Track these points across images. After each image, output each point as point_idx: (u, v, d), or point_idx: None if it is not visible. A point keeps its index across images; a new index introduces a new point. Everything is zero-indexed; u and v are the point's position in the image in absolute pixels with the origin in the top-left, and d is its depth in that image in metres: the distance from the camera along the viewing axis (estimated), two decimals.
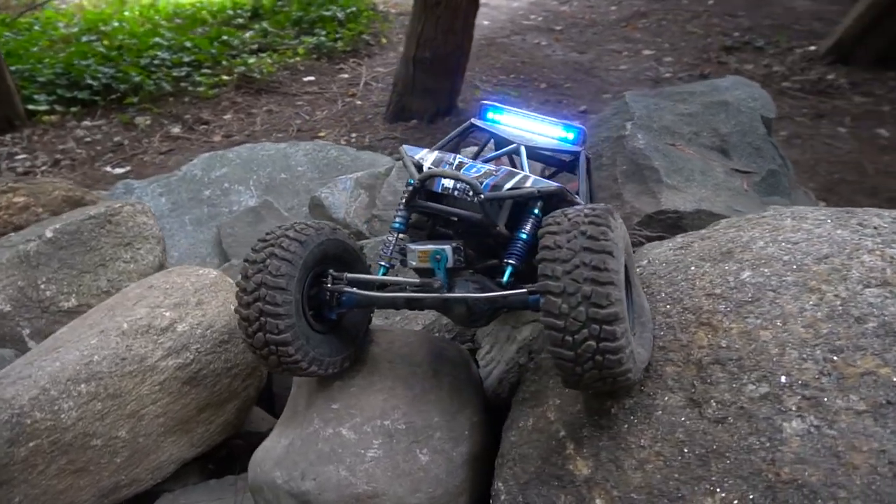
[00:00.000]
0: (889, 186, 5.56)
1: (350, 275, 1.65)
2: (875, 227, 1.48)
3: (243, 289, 1.56)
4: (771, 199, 2.87)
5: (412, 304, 1.61)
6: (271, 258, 1.55)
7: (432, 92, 6.40)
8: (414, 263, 1.57)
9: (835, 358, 1.25)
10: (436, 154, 1.67)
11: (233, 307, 1.63)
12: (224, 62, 8.12)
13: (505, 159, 2.00)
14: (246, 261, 1.59)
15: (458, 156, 1.69)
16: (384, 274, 1.68)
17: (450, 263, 1.53)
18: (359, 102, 7.47)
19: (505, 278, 1.57)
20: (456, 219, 1.58)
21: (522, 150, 1.86)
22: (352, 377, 1.77)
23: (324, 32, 8.90)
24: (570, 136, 1.98)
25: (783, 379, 1.26)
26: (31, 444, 1.64)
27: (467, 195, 1.55)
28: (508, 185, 1.55)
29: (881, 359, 1.22)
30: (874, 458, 1.12)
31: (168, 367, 1.84)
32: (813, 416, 1.20)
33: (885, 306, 1.29)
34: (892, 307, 1.29)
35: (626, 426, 1.41)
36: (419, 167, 1.61)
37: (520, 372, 1.97)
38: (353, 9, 9.47)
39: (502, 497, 1.60)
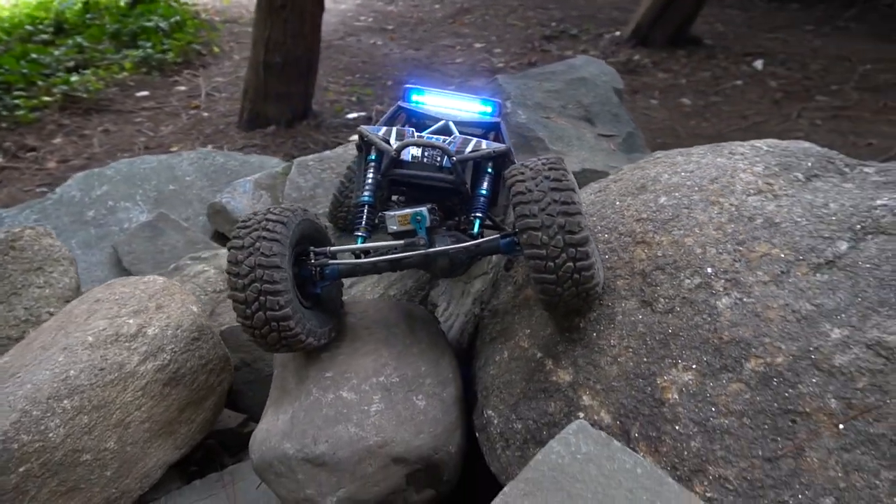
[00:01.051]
0: (700, 144, 6.61)
1: (333, 247, 1.78)
2: (741, 154, 1.93)
3: (236, 273, 1.63)
4: (633, 156, 3.39)
5: (394, 266, 1.79)
6: (260, 241, 1.64)
7: (286, 96, 6.39)
8: (395, 228, 1.75)
9: (741, 248, 1.65)
10: (394, 129, 1.85)
11: (227, 293, 1.68)
12: (40, 82, 7.39)
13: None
14: (232, 248, 1.66)
15: (414, 129, 1.89)
16: (363, 242, 1.83)
17: (429, 223, 1.73)
18: (206, 114, 7.22)
19: (475, 229, 1.80)
20: (427, 182, 1.78)
21: (451, 125, 2.10)
22: (337, 347, 1.90)
23: (149, 44, 8.41)
24: (489, 109, 2.25)
25: (709, 270, 1.64)
26: (21, 470, 1.57)
27: (435, 161, 1.76)
28: (468, 150, 1.78)
29: (770, 243, 1.64)
30: (782, 311, 1.52)
31: (148, 371, 1.83)
32: (735, 292, 1.58)
33: (763, 207, 1.72)
34: (769, 207, 1.72)
35: (594, 335, 1.72)
36: (386, 141, 1.78)
37: (476, 321, 2.22)
38: (177, 18, 9.03)
39: (495, 421, 1.84)
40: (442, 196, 1.84)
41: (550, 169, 1.61)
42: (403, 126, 2.33)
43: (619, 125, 3.51)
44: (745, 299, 1.57)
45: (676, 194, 1.82)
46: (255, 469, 1.83)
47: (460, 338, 2.23)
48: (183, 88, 7.97)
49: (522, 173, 1.63)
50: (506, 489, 1.43)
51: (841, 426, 1.37)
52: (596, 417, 1.62)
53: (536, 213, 1.54)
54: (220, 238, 3.46)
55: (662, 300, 1.66)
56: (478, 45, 10.08)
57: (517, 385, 1.83)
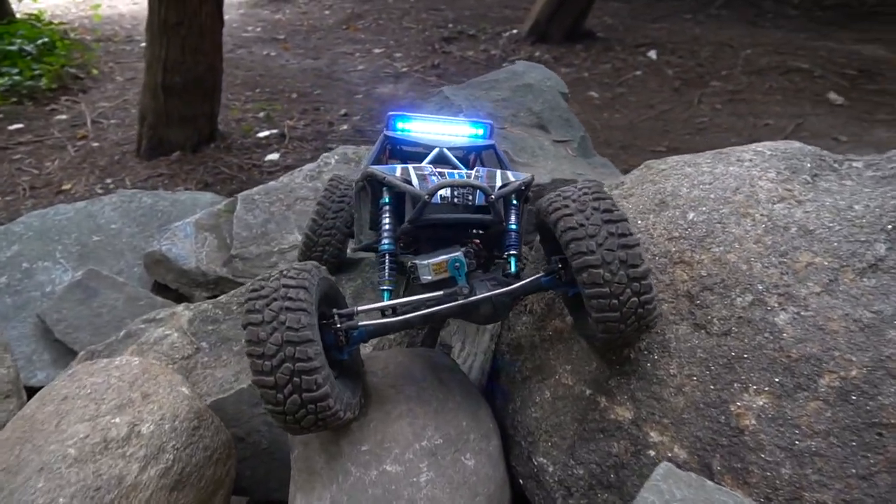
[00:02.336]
0: (615, 137, 6.80)
1: (361, 307, 1.58)
2: (749, 160, 1.92)
3: (261, 354, 1.40)
4: (592, 161, 3.38)
5: (429, 319, 1.61)
6: (284, 312, 1.42)
7: (190, 119, 5.92)
8: (429, 277, 1.57)
9: (785, 260, 1.62)
10: (411, 168, 1.67)
11: (250, 378, 1.44)
12: None
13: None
14: (250, 324, 1.42)
15: (429, 166, 1.72)
16: (389, 298, 1.64)
17: (468, 268, 1.57)
18: (95, 144, 6.54)
19: (513, 269, 1.67)
20: (461, 224, 1.62)
21: (446, 152, 1.95)
22: (365, 414, 1.70)
23: (15, 71, 7.54)
24: (480, 131, 2.12)
25: (759, 286, 1.60)
26: None
27: (467, 199, 1.60)
28: (498, 184, 1.64)
29: (811, 252, 1.63)
30: (843, 321, 1.50)
31: (151, 479, 1.54)
32: (791, 306, 1.56)
33: (792, 214, 1.71)
34: (797, 214, 1.71)
35: (648, 365, 1.64)
36: (408, 183, 1.60)
37: (494, 358, 2.08)
38: (44, 40, 8.16)
39: (549, 468, 1.72)
40: (466, 234, 1.69)
41: (597, 198, 1.51)
42: (390, 157, 2.14)
43: (571, 130, 3.48)
44: (802, 313, 1.54)
45: (703, 209, 1.77)
46: None
47: (482, 378, 2.08)
48: (63, 117, 7.20)
49: (567, 206, 1.51)
50: None
51: None
52: (670, 454, 1.54)
53: (595, 250, 1.43)
54: (163, 290, 3.09)
55: (717, 322, 1.60)
56: (377, 51, 9.90)
57: (569, 427, 1.72)
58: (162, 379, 1.76)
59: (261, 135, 6.60)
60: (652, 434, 1.58)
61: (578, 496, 1.66)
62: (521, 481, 1.83)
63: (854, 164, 1.97)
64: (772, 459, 1.44)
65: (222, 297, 2.58)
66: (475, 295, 1.56)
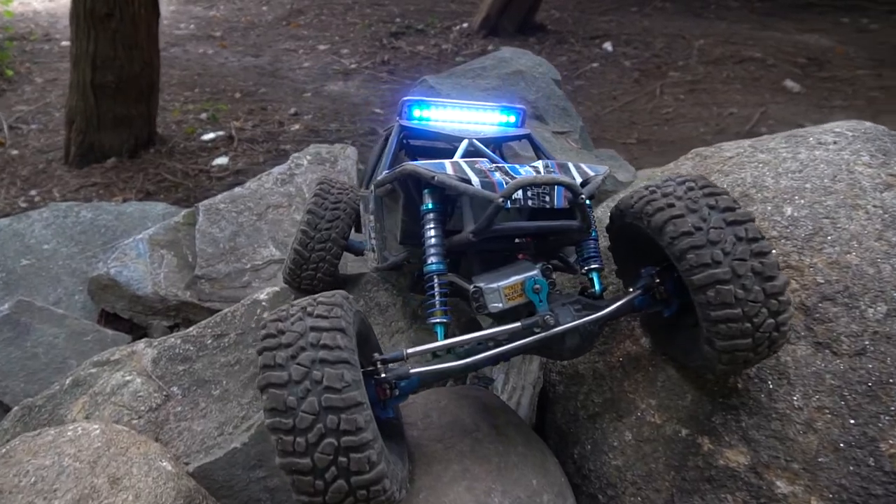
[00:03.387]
0: (587, 127, 6.61)
1: (411, 350, 1.19)
2: (834, 143, 1.65)
3: (290, 428, 1.00)
4: (598, 153, 3.08)
5: (499, 359, 1.25)
6: (319, 366, 1.02)
7: (126, 121, 5.32)
8: (500, 305, 1.21)
9: None
10: (464, 164, 1.29)
11: (277, 461, 1.04)
12: None
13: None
14: (270, 386, 1.02)
15: (484, 160, 1.35)
16: (446, 334, 1.26)
17: (550, 289, 1.22)
18: (15, 152, 5.84)
19: (598, 287, 1.32)
20: (541, 233, 1.26)
21: (478, 143, 1.59)
22: (412, 480, 1.32)
23: None
24: (512, 118, 1.77)
25: (895, 294, 1.32)
26: None
27: (544, 201, 1.24)
28: (577, 180, 1.28)
29: None
30: None
31: None
32: None
33: None
34: None
35: (762, 395, 1.33)
36: (467, 181, 1.22)
37: (544, 391, 1.74)
38: None
39: None
40: (520, 244, 1.33)
41: (710, 193, 1.18)
42: (401, 151, 1.76)
43: (570, 120, 3.18)
44: None
45: (802, 201, 1.48)
46: None
47: (531, 417, 1.73)
48: None
49: (673, 205, 1.18)
50: None
51: None
52: None
53: (722, 260, 1.11)
54: (112, 321, 2.59)
55: (846, 340, 1.31)
56: (322, 47, 9.43)
57: (663, 476, 1.39)
58: (134, 453, 1.33)
59: (205, 137, 6.04)
60: (779, 483, 1.27)
61: None
62: None
63: None
64: None
65: (192, 330, 2.13)
66: (561, 325, 1.20)
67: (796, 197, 1.50)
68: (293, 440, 1.00)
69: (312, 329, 1.06)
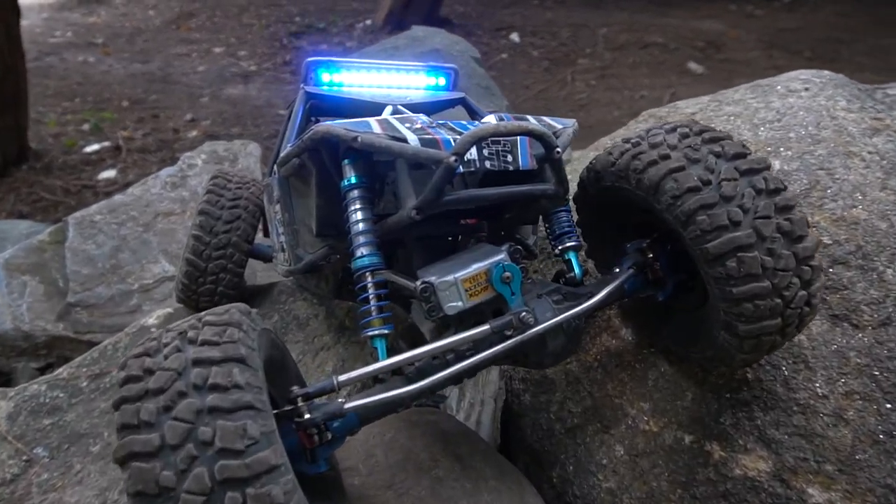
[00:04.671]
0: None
1: (343, 377, 0.86)
2: (805, 90, 1.46)
3: None
4: None
5: (462, 377, 0.94)
6: (209, 417, 0.68)
7: None
8: (460, 304, 0.90)
9: None
10: (392, 120, 0.97)
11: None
12: None
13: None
14: (133, 457, 0.67)
15: (422, 115, 1.03)
16: (388, 348, 0.93)
17: (524, 279, 0.92)
18: None
19: (578, 271, 1.04)
20: (503, 201, 0.96)
21: (404, 111, 1.28)
22: None
23: None
24: (441, 81, 1.47)
25: None
26: None
27: (505, 161, 0.95)
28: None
29: None
30: None
31: None
32: None
33: None
34: None
35: (778, 385, 1.10)
36: (401, 140, 0.90)
37: (507, 404, 1.45)
38: None
39: None
40: (466, 226, 1.04)
41: (711, 139, 0.93)
42: (308, 124, 1.42)
43: (494, 99, 2.94)
44: None
45: (789, 153, 1.27)
46: None
47: (495, 437, 1.43)
48: None
49: (666, 156, 0.92)
50: None
51: None
52: None
53: (741, 220, 0.85)
54: None
55: (866, 309, 1.10)
56: (217, 50, 8.86)
57: (668, 498, 1.13)
58: None
59: (88, 149, 5.41)
60: (811, 491, 1.03)
61: None
62: None
63: (890, 91, 1.58)
64: None
65: (62, 372, 1.71)
66: (540, 323, 0.91)
67: (782, 149, 1.28)
68: None
69: (196, 363, 0.72)
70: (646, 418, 1.19)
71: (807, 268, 0.88)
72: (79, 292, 2.10)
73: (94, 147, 5.44)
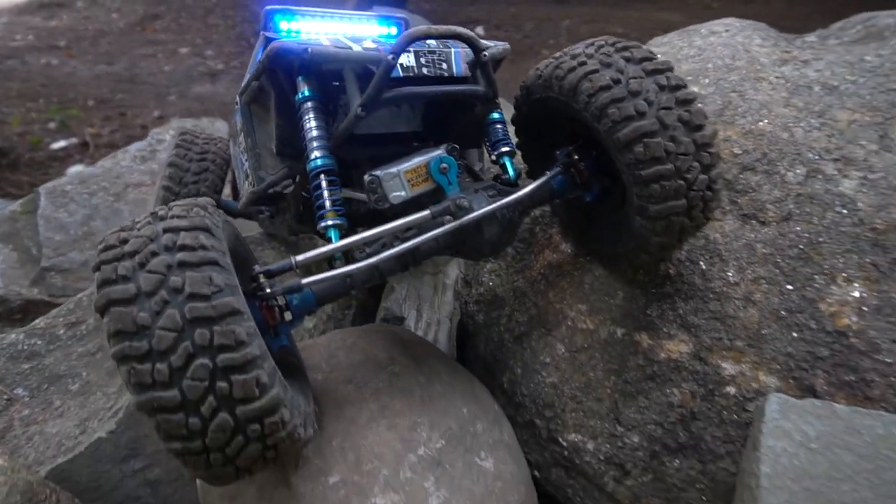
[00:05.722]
0: None
1: (301, 257, 0.97)
2: (725, 31, 1.61)
3: (144, 353, 0.76)
4: None
5: (407, 260, 1.05)
6: (179, 270, 0.79)
7: None
8: (403, 193, 1.01)
9: (822, 119, 1.31)
10: (339, 35, 1.08)
11: (133, 401, 0.78)
12: None
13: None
14: (114, 302, 0.77)
15: (366, 37, 1.14)
16: (342, 236, 1.04)
17: (459, 170, 1.04)
18: None
19: (512, 173, 1.16)
20: (439, 99, 1.07)
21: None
22: (322, 429, 1.10)
23: None
24: (393, 30, 1.58)
25: (810, 154, 1.26)
26: None
27: (440, 68, 1.06)
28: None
29: (847, 109, 1.32)
30: None
31: None
32: (853, 169, 1.24)
33: (805, 74, 1.41)
34: (810, 73, 1.41)
35: (696, 277, 1.23)
36: (346, 49, 1.01)
37: (463, 324, 1.57)
38: None
39: (590, 446, 1.25)
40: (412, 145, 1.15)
41: (624, 47, 1.06)
42: None
43: None
44: (870, 175, 1.23)
45: (707, 80, 1.41)
46: None
47: (452, 353, 1.55)
48: None
49: (584, 63, 1.05)
50: None
51: None
52: (756, 385, 1.14)
53: (646, 111, 0.98)
54: None
55: (771, 207, 1.24)
56: (183, 50, 8.85)
57: (603, 385, 1.26)
58: None
59: (55, 146, 5.41)
60: (725, 365, 1.17)
61: (639, 472, 1.20)
62: (535, 473, 1.34)
63: (807, 38, 1.74)
64: (893, 360, 1.09)
65: (39, 322, 1.77)
66: (476, 210, 1.03)
67: (701, 77, 1.42)
68: (151, 368, 0.75)
69: (166, 231, 0.82)
70: (583, 318, 1.31)
71: (706, 154, 1.01)
72: (52, 257, 2.16)
73: (62, 144, 5.43)
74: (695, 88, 1.40)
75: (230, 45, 8.80)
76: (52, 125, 5.89)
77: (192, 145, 1.76)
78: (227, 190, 1.92)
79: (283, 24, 1.48)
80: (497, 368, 1.43)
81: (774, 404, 1.01)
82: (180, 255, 0.80)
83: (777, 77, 1.39)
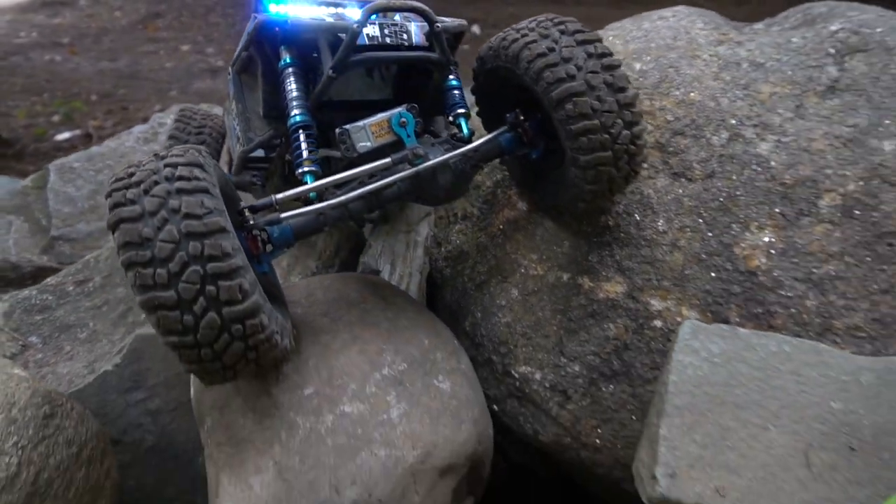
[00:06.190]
0: None
1: (280, 195, 1.15)
2: (673, 16, 1.78)
3: (148, 259, 0.93)
4: None
5: (373, 202, 1.22)
6: (176, 196, 0.96)
7: None
8: (368, 144, 1.19)
9: (747, 91, 1.48)
10: (319, 10, 1.26)
11: (136, 302, 0.95)
12: None
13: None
14: (123, 220, 0.95)
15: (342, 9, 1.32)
16: (315, 180, 1.21)
17: (417, 127, 1.21)
18: None
19: (466, 131, 1.33)
20: (400, 63, 1.24)
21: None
22: (299, 352, 1.27)
23: None
24: None
25: (733, 121, 1.43)
26: None
27: (401, 38, 1.24)
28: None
29: (769, 83, 1.50)
30: (826, 139, 1.38)
31: None
32: (770, 134, 1.41)
33: (737, 53, 1.58)
34: (741, 52, 1.58)
35: (631, 228, 1.40)
36: (320, 20, 1.18)
37: (432, 277, 1.74)
38: None
39: (537, 376, 1.42)
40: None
41: (560, 22, 1.24)
42: None
43: None
44: (783, 139, 1.40)
45: (648, 58, 1.58)
46: None
47: (422, 301, 1.72)
48: None
49: (525, 35, 1.22)
50: (663, 432, 1.05)
51: None
52: (679, 318, 1.31)
53: (575, 74, 1.16)
54: None
55: (697, 166, 1.41)
56: (185, 48, 9.03)
57: (550, 322, 1.43)
58: None
59: (60, 137, 5.59)
60: (653, 302, 1.34)
61: (578, 397, 1.37)
62: (494, 407, 1.51)
63: (755, 26, 1.91)
64: (793, 294, 1.26)
65: (50, 280, 1.95)
66: (431, 159, 1.21)
67: (644, 55, 1.60)
68: (153, 272, 0.93)
69: (167, 166, 1.00)
70: (534, 265, 1.48)
71: (628, 112, 1.19)
72: (61, 227, 2.34)
73: (66, 135, 5.61)
74: (637, 65, 1.57)
75: (230, 42, 8.97)
76: (56, 118, 6.07)
77: (190, 120, 1.93)
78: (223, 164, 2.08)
79: (273, 8, 1.66)
80: (461, 314, 1.60)
81: (687, 328, 1.18)
82: (178, 184, 0.97)
83: (711, 55, 1.56)
